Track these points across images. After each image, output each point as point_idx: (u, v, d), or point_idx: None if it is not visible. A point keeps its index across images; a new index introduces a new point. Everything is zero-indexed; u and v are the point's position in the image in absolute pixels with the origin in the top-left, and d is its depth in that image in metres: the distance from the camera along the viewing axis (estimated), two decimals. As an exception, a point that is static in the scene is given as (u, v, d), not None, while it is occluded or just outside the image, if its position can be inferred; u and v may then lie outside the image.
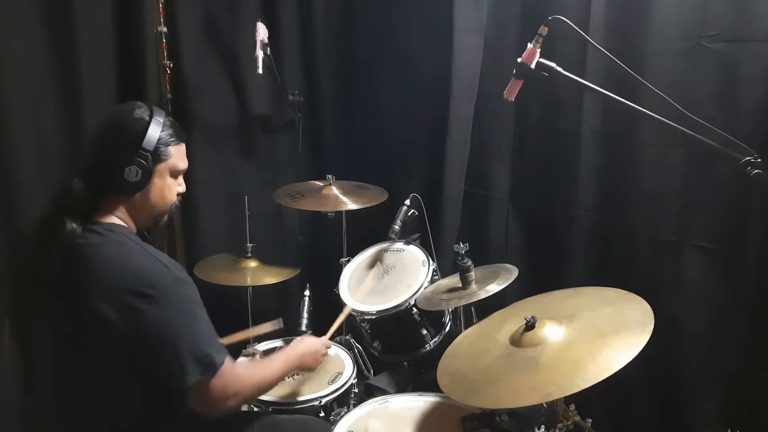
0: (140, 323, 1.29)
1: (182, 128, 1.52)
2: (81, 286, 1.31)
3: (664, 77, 2.04)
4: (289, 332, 2.35)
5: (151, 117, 1.42)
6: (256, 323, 2.46)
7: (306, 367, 1.77)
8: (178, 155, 1.48)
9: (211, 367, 1.35)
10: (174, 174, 1.49)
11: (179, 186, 1.52)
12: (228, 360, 1.39)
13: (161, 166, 1.44)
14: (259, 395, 1.55)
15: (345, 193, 2.49)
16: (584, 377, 1.34)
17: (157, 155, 1.42)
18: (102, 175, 1.39)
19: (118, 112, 1.46)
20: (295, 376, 2.07)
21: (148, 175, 1.41)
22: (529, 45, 1.54)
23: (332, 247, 2.67)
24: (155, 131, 1.41)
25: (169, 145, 1.45)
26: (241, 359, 2.16)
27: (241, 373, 1.44)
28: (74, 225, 1.34)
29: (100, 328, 1.29)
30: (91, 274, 1.31)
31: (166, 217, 1.53)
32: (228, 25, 2.62)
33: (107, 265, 1.32)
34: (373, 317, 2.18)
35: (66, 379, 1.38)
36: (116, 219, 1.42)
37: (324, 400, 1.96)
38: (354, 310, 2.21)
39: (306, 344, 1.74)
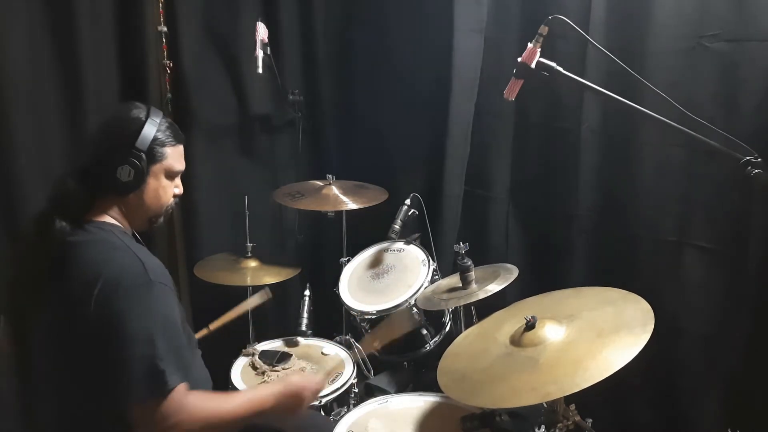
0: (104, 319, 1.25)
1: (182, 128, 1.51)
2: (68, 284, 1.31)
3: (665, 77, 2.04)
4: (289, 332, 2.35)
5: (147, 117, 1.40)
6: (256, 323, 2.48)
7: (284, 411, 1.47)
8: (174, 156, 1.45)
9: (159, 389, 1.24)
10: (170, 175, 1.46)
11: (176, 188, 1.50)
12: (182, 386, 1.28)
13: (156, 167, 1.42)
14: None
15: (345, 193, 2.49)
16: (584, 377, 1.34)
17: (152, 155, 1.40)
18: (96, 175, 1.39)
19: (115, 112, 1.46)
20: (295, 376, 2.07)
21: (141, 176, 1.39)
22: (530, 44, 1.54)
23: (332, 247, 2.67)
24: (150, 131, 1.39)
25: (165, 145, 1.42)
26: (241, 359, 2.17)
27: (190, 403, 1.29)
28: (63, 224, 1.33)
29: (83, 327, 1.28)
30: (75, 271, 1.31)
31: (161, 219, 1.50)
32: (228, 25, 2.62)
33: (89, 261, 1.31)
34: (373, 317, 2.18)
35: (57, 379, 1.36)
36: (109, 218, 1.41)
37: (324, 400, 1.95)
38: (354, 310, 2.22)
39: (286, 384, 1.48)
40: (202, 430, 1.32)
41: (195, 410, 1.30)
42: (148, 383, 1.25)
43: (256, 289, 2.45)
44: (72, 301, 1.29)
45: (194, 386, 1.40)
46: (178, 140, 1.46)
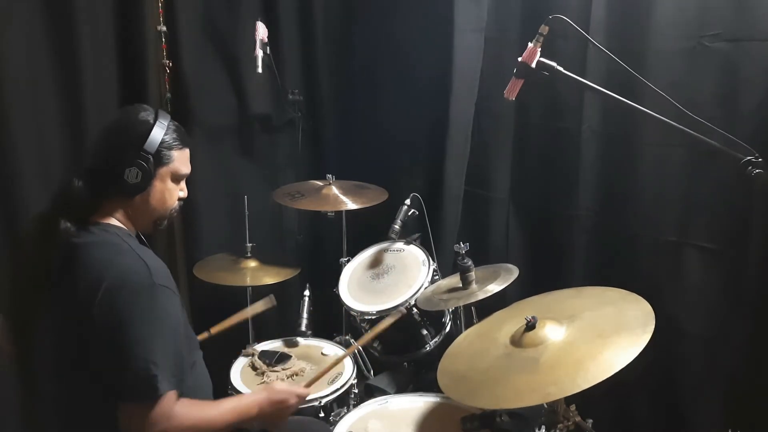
0: (106, 322, 1.26)
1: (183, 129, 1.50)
2: (72, 285, 1.31)
3: (665, 76, 2.03)
4: (290, 332, 2.35)
5: (155, 120, 1.41)
6: (255, 324, 2.47)
7: (267, 419, 1.51)
8: (180, 160, 1.46)
9: (149, 393, 1.25)
10: (176, 179, 1.47)
11: (181, 191, 1.50)
12: (172, 393, 1.28)
13: (163, 170, 1.43)
14: None
15: (345, 193, 2.48)
16: (585, 377, 1.34)
17: (159, 158, 1.41)
18: (102, 176, 1.39)
19: (123, 114, 1.46)
20: (294, 377, 2.07)
21: (148, 178, 1.40)
22: (530, 44, 1.54)
23: (332, 247, 2.67)
24: (158, 134, 1.40)
25: (172, 149, 1.43)
26: (241, 359, 2.16)
27: (178, 411, 1.29)
28: (68, 224, 1.34)
29: (86, 329, 1.28)
30: (80, 273, 1.31)
31: (165, 222, 1.51)
32: (228, 25, 2.62)
33: (93, 263, 1.31)
34: (373, 317, 2.18)
35: (60, 380, 1.36)
36: (114, 220, 1.41)
37: (324, 401, 1.95)
38: (354, 311, 2.22)
39: (271, 392, 1.52)
40: None
41: (183, 418, 1.31)
42: (140, 387, 1.26)
43: (256, 289, 2.46)
44: (76, 303, 1.29)
45: (195, 389, 1.41)
46: (184, 144, 1.47)
